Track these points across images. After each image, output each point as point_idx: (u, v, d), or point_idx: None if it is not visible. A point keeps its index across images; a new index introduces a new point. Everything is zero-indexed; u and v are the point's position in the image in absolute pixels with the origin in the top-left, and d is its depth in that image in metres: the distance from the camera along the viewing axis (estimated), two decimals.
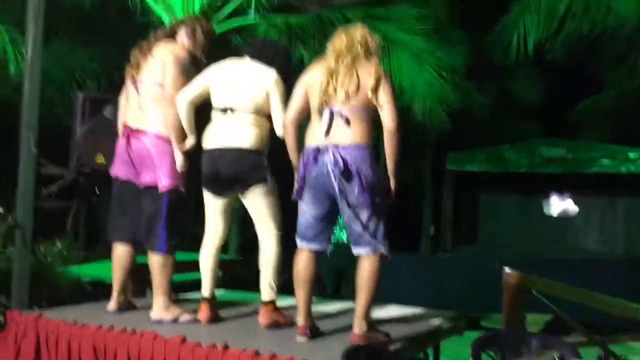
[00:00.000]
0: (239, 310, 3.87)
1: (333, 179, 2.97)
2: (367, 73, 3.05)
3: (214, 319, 3.51)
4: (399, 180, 3.11)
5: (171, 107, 3.46)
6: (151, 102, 3.53)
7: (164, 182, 3.48)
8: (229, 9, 6.52)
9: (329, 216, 3.15)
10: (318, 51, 7.59)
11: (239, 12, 6.78)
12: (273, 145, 3.51)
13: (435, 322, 3.69)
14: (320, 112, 3.07)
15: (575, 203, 13.87)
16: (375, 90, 3.01)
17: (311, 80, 3.18)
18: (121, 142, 3.63)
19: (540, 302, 4.09)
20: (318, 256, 3.20)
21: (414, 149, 11.90)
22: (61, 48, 8.72)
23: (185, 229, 3.59)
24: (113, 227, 3.74)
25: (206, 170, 3.46)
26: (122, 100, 3.79)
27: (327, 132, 3.02)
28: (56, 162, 5.66)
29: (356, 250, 3.08)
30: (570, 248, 13.34)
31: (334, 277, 9.00)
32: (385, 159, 3.07)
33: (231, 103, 3.43)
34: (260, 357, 2.69)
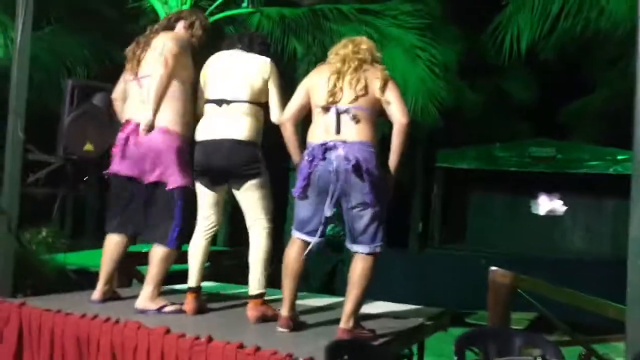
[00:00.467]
0: (225, 302, 3.85)
1: (341, 175, 2.96)
2: (374, 76, 3.10)
3: (200, 310, 3.50)
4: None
5: (164, 73, 3.40)
6: None
7: (174, 179, 3.45)
8: None
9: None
10: (311, 44, 7.61)
11: (232, 2, 6.74)
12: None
13: (420, 318, 3.70)
14: (326, 110, 3.08)
15: (564, 203, 13.96)
16: (382, 90, 3.07)
17: (314, 81, 3.21)
18: (125, 137, 3.54)
19: (525, 300, 4.12)
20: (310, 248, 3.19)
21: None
22: (51, 34, 8.64)
23: (193, 224, 3.57)
24: (109, 219, 3.71)
25: (199, 162, 3.44)
26: (118, 100, 3.75)
27: (338, 130, 3.02)
28: (43, 149, 5.61)
29: (353, 248, 3.08)
30: (557, 247, 13.43)
31: (321, 271, 9.01)
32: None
33: (226, 94, 3.42)
34: (245, 349, 2.68)
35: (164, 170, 3.45)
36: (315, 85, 3.18)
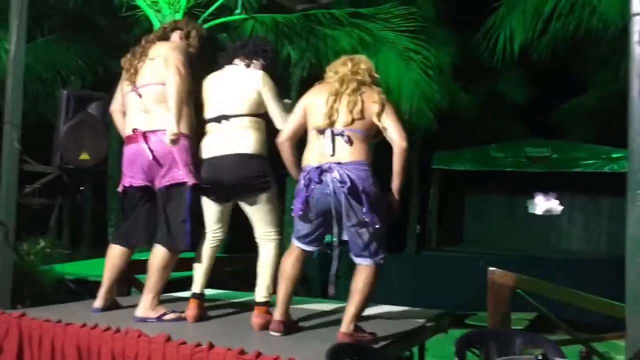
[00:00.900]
0: (225, 309, 3.85)
1: (341, 197, 2.97)
2: (372, 100, 3.11)
3: (201, 317, 3.50)
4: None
5: (180, 79, 3.37)
6: (157, 103, 3.46)
7: (185, 178, 3.44)
8: (215, 5, 6.50)
9: (326, 225, 3.14)
10: (305, 49, 7.63)
11: (225, 9, 6.75)
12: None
13: (420, 320, 3.70)
14: (322, 132, 3.10)
15: (560, 202, 14.00)
16: (379, 116, 3.08)
17: (312, 101, 3.22)
18: (131, 149, 3.53)
19: (524, 300, 4.13)
20: (307, 256, 3.23)
21: None
22: (45, 44, 8.65)
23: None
24: (121, 233, 3.75)
25: (208, 178, 3.44)
26: (117, 113, 3.74)
27: (333, 152, 3.04)
28: (40, 159, 5.61)
29: (356, 260, 3.11)
30: (554, 247, 13.48)
31: (322, 277, 8.99)
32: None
33: (224, 110, 3.44)
34: (246, 355, 2.68)
35: (176, 171, 3.45)
36: (312, 105, 3.20)
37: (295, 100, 3.42)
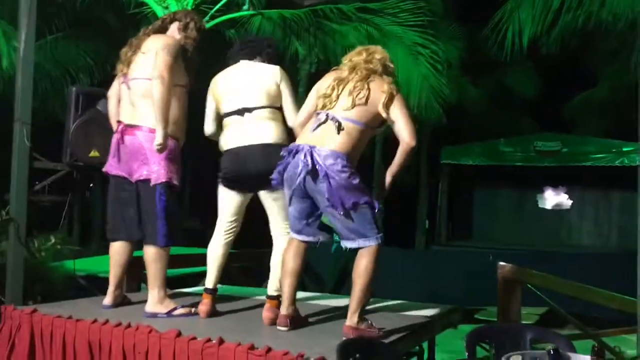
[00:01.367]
0: (234, 304, 3.86)
1: (300, 176, 3.00)
2: (380, 89, 3.09)
3: (213, 313, 3.51)
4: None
5: (164, 89, 3.36)
6: (143, 98, 3.49)
7: (157, 175, 3.46)
8: (223, 1, 6.50)
9: (310, 211, 3.16)
10: (312, 45, 7.62)
11: (232, 5, 6.75)
12: None
13: (430, 315, 3.70)
14: (317, 115, 3.12)
15: (570, 196, 13.92)
16: (386, 106, 3.05)
17: (320, 85, 3.25)
18: (115, 138, 3.60)
19: (534, 295, 4.11)
20: (308, 248, 3.22)
21: None
22: (54, 42, 8.70)
23: (181, 222, 3.58)
24: (111, 226, 3.71)
25: (230, 169, 3.47)
26: (112, 98, 3.76)
27: (315, 133, 3.05)
28: (50, 156, 5.64)
29: (344, 244, 3.10)
30: (564, 241, 13.40)
31: (335, 272, 9.01)
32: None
33: (246, 103, 3.47)
34: (256, 350, 2.69)
35: (149, 167, 3.47)
36: (320, 89, 3.23)
37: (304, 97, 3.44)
